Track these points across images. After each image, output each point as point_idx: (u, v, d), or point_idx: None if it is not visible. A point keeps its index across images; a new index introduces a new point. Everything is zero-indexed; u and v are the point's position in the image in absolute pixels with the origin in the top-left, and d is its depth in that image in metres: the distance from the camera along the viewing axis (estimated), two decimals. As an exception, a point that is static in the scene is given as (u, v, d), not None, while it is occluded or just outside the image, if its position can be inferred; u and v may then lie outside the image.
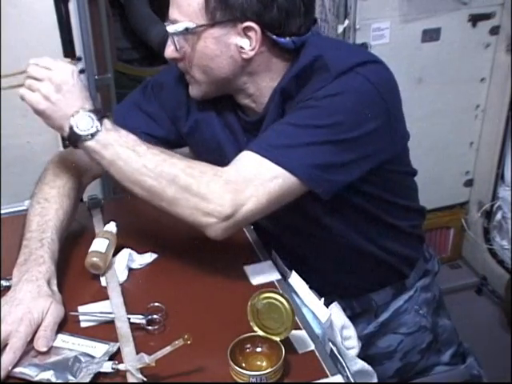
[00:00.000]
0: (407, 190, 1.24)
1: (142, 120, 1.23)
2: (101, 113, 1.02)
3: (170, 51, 1.09)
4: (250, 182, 0.98)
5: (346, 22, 1.81)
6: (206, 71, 1.08)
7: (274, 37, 1.04)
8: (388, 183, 1.14)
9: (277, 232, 1.23)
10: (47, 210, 1.09)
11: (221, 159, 1.17)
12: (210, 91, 1.13)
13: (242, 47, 1.04)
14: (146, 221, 1.30)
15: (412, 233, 1.26)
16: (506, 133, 2.08)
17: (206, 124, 1.20)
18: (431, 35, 1.93)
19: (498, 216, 2.22)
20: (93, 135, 0.99)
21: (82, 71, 1.04)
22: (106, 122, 1.01)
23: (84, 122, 0.99)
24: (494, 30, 2.00)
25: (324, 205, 1.08)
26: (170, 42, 1.08)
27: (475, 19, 1.96)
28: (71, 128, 1.00)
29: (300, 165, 0.98)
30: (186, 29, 1.04)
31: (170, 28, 1.06)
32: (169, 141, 1.26)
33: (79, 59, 1.07)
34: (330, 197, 1.02)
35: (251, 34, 1.03)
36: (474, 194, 2.29)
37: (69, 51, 1.54)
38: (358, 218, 1.15)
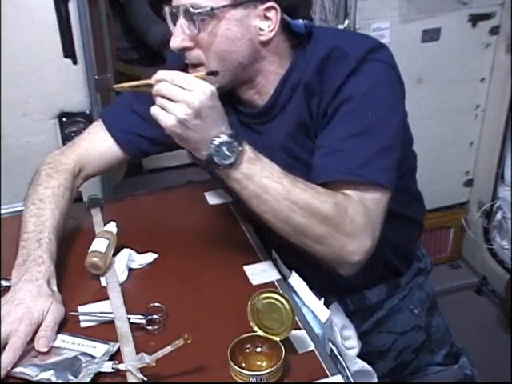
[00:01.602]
0: (411, 173, 1.25)
1: (134, 121, 1.22)
2: (239, 137, 0.95)
3: (179, 41, 1.03)
4: (369, 211, 0.98)
5: (346, 22, 1.81)
6: (223, 57, 1.03)
7: (289, 19, 1.04)
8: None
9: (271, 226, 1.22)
10: (43, 211, 1.09)
11: None
12: (223, 82, 1.07)
13: (261, 29, 1.03)
14: (146, 221, 1.30)
15: (413, 221, 1.26)
16: (506, 133, 2.09)
17: None
18: (431, 35, 1.93)
19: (498, 216, 2.23)
20: (233, 164, 0.94)
21: (218, 88, 0.96)
22: (247, 148, 0.96)
23: (224, 150, 0.93)
24: (494, 30, 2.00)
25: None
26: (179, 31, 1.02)
27: (475, 19, 1.96)
28: (210, 155, 0.94)
29: (382, 174, 1.00)
30: (212, 9, 0.98)
31: (192, 10, 0.99)
32: (161, 142, 1.25)
33: (215, 74, 0.98)
34: None
35: (271, 14, 1.02)
36: (474, 194, 2.29)
37: (69, 51, 1.54)
38: None
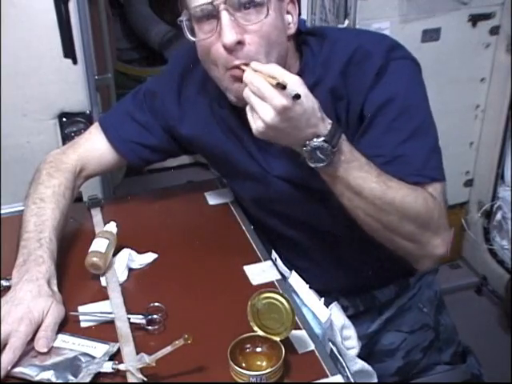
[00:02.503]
0: None
1: (134, 130, 1.22)
2: (336, 135, 0.91)
3: (234, 34, 0.95)
4: (444, 205, 1.02)
5: (346, 22, 1.81)
6: (272, 49, 0.99)
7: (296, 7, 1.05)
8: None
9: (281, 227, 1.22)
10: (44, 210, 1.09)
11: (231, 166, 1.18)
12: None
13: (289, 22, 1.03)
14: (146, 221, 1.30)
15: None
16: (506, 133, 2.08)
17: (206, 132, 1.17)
18: (431, 35, 1.93)
19: (498, 216, 2.22)
20: (327, 166, 0.92)
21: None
22: (344, 148, 0.93)
23: (318, 154, 0.91)
24: (494, 30, 2.00)
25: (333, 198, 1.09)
26: (231, 25, 0.95)
27: (475, 19, 1.96)
28: (303, 157, 0.92)
29: (439, 170, 1.04)
30: None
31: None
32: (162, 150, 1.26)
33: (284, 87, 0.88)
34: None
35: (292, 8, 1.03)
36: (474, 194, 2.29)
37: (69, 51, 1.54)
38: None
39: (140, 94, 1.24)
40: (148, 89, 1.23)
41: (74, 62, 1.56)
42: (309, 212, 1.16)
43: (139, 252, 1.14)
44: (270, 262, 1.13)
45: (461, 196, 2.30)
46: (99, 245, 1.09)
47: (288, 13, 1.03)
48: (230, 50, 0.96)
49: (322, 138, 0.90)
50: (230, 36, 0.95)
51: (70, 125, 1.64)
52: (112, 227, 1.14)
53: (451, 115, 2.09)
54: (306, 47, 1.09)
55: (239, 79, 0.97)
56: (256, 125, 0.90)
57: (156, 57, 3.56)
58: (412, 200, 0.96)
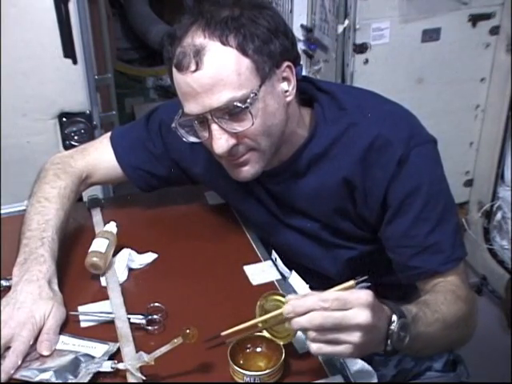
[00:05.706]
0: None
1: (145, 158, 1.23)
2: (397, 310, 0.86)
3: (225, 143, 0.96)
4: (468, 284, 1.08)
5: (346, 21, 1.81)
6: (270, 133, 0.99)
7: (294, 69, 1.02)
8: None
9: (285, 262, 1.20)
10: (48, 210, 1.10)
11: (241, 210, 1.25)
12: (269, 158, 1.03)
13: (286, 91, 1.00)
14: (146, 221, 1.30)
15: None
16: (506, 133, 2.08)
17: (215, 177, 1.17)
18: (431, 35, 1.93)
19: (498, 216, 2.22)
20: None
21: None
22: (410, 319, 0.88)
23: (401, 332, 0.85)
24: (494, 30, 2.00)
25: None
26: (220, 133, 0.96)
27: (475, 19, 1.96)
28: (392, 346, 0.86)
29: (463, 247, 1.08)
30: (255, 94, 0.94)
31: (241, 104, 0.93)
32: (170, 180, 1.27)
33: (366, 280, 0.87)
34: None
35: (288, 73, 1.00)
36: (474, 194, 2.29)
37: (69, 51, 1.54)
38: None
39: (155, 123, 1.22)
40: (164, 121, 1.19)
41: (74, 61, 1.56)
42: (315, 260, 1.17)
43: (139, 252, 1.14)
44: (269, 262, 1.14)
45: (461, 196, 2.30)
46: (99, 245, 1.09)
47: (284, 79, 0.99)
48: (226, 153, 0.98)
49: (398, 318, 0.85)
50: (220, 147, 0.96)
51: (70, 125, 1.64)
52: (112, 227, 1.14)
53: (451, 115, 2.09)
54: (316, 104, 1.07)
55: (241, 165, 1.01)
56: (355, 339, 0.79)
57: (156, 57, 3.56)
58: (461, 314, 1.00)
